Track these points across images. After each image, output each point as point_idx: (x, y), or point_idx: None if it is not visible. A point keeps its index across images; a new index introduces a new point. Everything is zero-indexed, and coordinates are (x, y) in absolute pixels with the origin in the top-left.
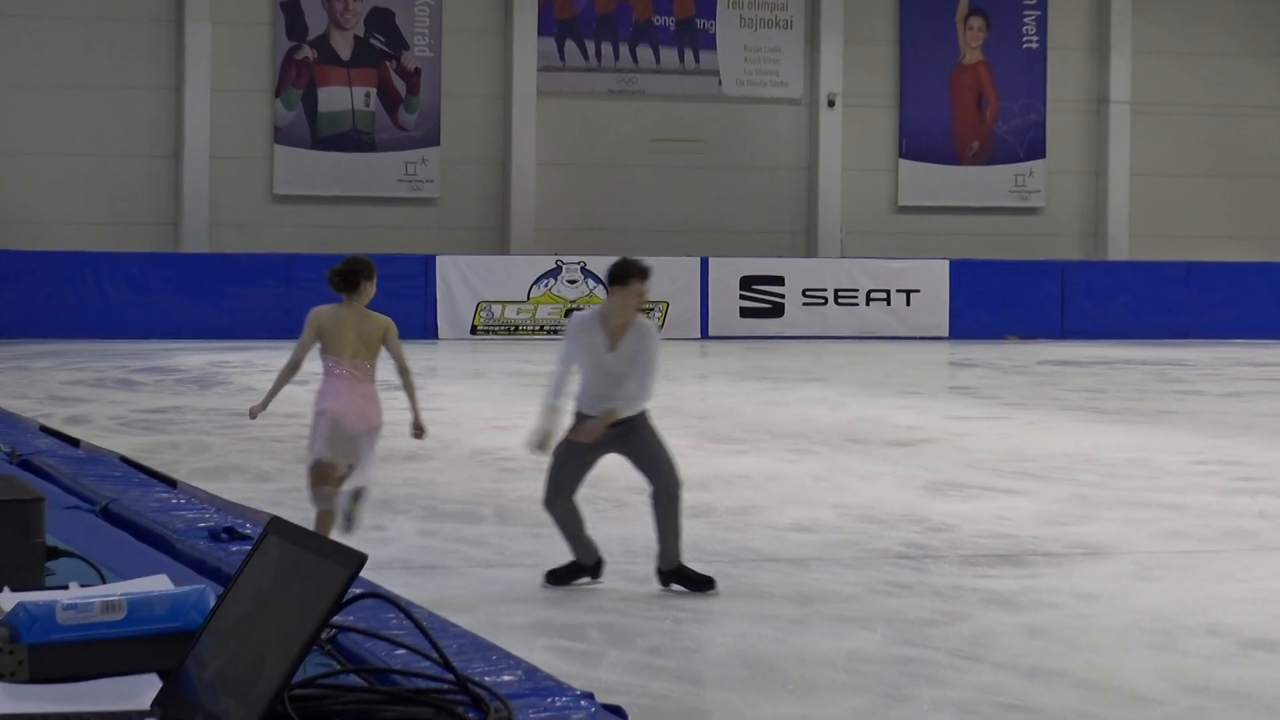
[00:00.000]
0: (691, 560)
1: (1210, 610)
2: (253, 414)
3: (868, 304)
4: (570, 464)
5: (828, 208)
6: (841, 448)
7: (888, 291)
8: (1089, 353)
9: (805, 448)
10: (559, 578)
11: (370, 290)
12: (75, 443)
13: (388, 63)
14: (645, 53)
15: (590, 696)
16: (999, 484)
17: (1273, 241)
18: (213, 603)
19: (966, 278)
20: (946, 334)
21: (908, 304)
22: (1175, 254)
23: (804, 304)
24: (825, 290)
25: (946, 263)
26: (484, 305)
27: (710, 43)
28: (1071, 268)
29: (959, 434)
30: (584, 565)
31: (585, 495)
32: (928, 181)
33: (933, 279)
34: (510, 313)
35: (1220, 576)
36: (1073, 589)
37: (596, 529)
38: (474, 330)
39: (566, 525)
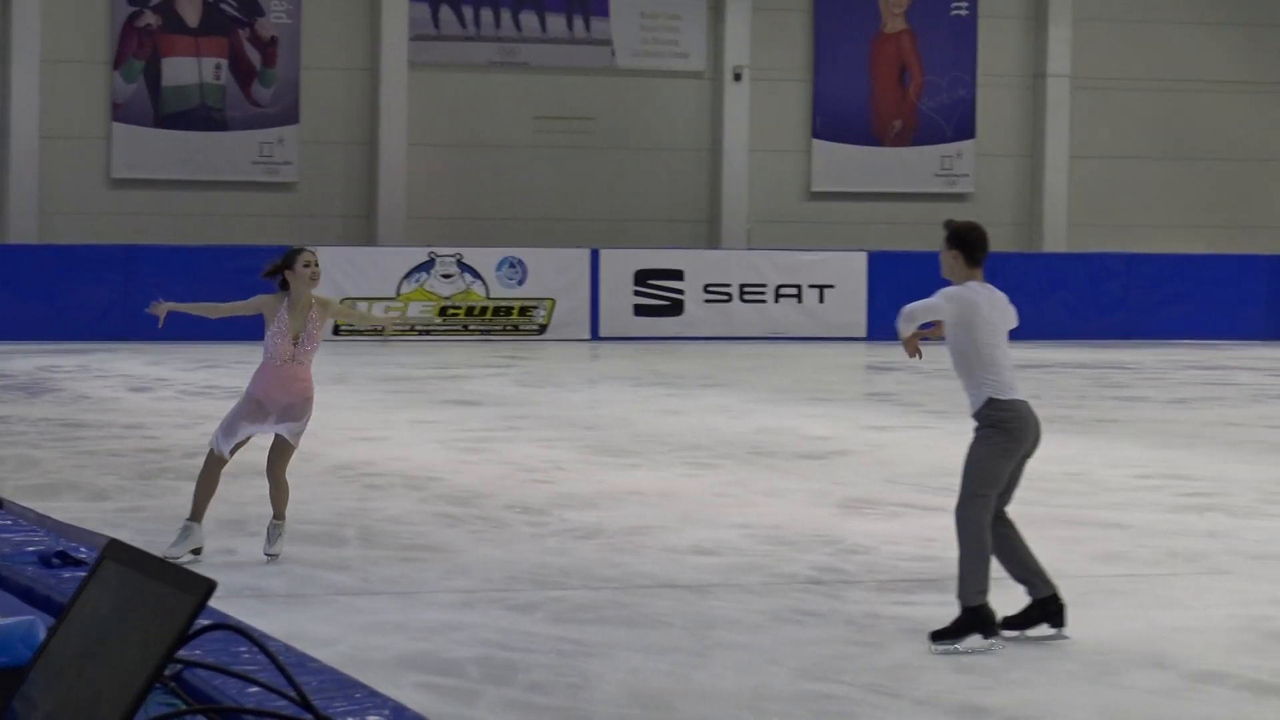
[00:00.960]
0: (578, 587)
1: (1154, 640)
2: (157, 310)
3: (776, 301)
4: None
5: (733, 194)
6: (746, 461)
7: (799, 287)
8: (1022, 355)
9: (706, 461)
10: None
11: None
12: None
13: (240, 31)
14: (530, 20)
15: None
16: (921, 501)
17: (1225, 232)
18: (43, 636)
19: (887, 272)
20: (864, 334)
21: (821, 301)
22: (1118, 245)
23: (705, 301)
24: (729, 286)
25: (864, 255)
26: (348, 303)
27: (602, 9)
28: (1003, 261)
29: (877, 445)
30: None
31: (459, 514)
32: (844, 164)
33: (849, 273)
34: (378, 311)
35: (1165, 603)
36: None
37: (471, 552)
38: (336, 330)
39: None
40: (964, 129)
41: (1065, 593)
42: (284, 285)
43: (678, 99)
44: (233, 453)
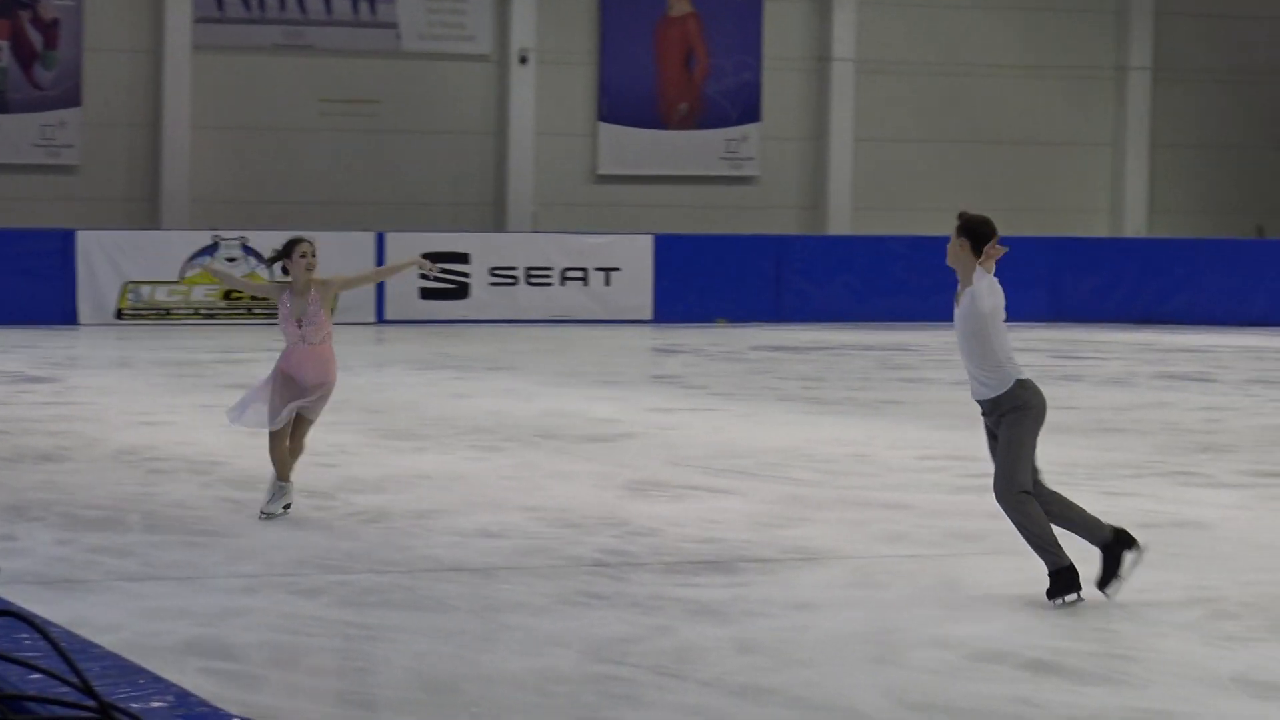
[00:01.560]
0: (363, 571)
1: (936, 620)
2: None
3: (563, 284)
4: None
5: (519, 177)
6: (533, 444)
7: (585, 270)
8: (807, 337)
9: (493, 444)
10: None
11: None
12: None
13: (21, 12)
14: (315, 3)
15: None
16: (707, 483)
17: (1008, 214)
18: None
19: (672, 255)
20: (650, 317)
21: (607, 284)
22: (902, 228)
23: (492, 284)
24: (515, 269)
25: (650, 238)
26: (131, 286)
27: None
28: (788, 243)
29: (663, 428)
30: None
31: (243, 498)
32: (630, 148)
33: (635, 256)
34: (161, 294)
35: (948, 583)
36: (787, 598)
37: (255, 536)
38: (120, 314)
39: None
40: (749, 112)
41: (849, 572)
42: (285, 272)
43: (463, 82)
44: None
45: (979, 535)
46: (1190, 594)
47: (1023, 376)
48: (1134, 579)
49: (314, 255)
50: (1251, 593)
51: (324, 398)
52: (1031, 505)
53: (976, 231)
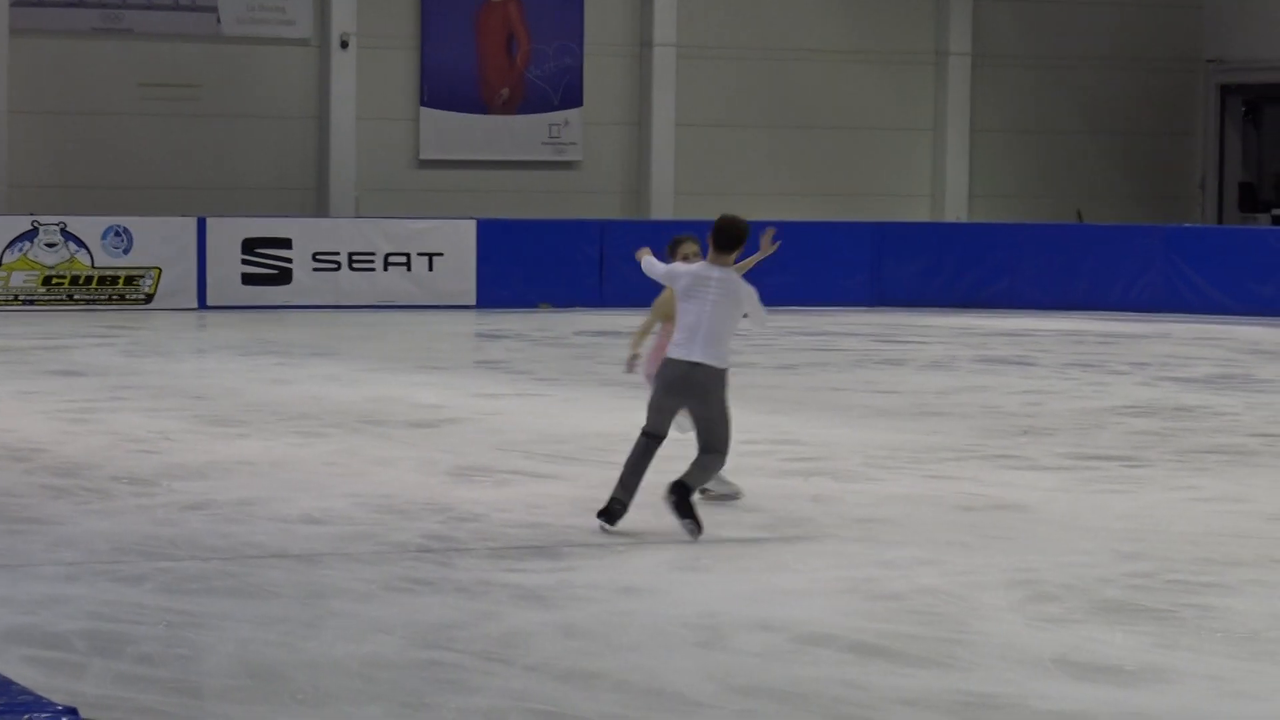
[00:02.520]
0: (186, 558)
1: (761, 604)
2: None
3: (385, 269)
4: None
5: (340, 162)
6: (356, 429)
7: (408, 255)
8: (630, 322)
9: (316, 430)
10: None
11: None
12: None
13: None
14: None
15: (73, 712)
16: (531, 468)
17: (830, 199)
18: None
19: (496, 239)
20: (474, 302)
21: (430, 269)
22: (723, 212)
23: (314, 269)
24: (338, 254)
25: (474, 223)
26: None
27: None
28: (611, 228)
29: (487, 413)
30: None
31: (64, 485)
32: (453, 132)
33: (458, 241)
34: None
35: (773, 567)
36: (612, 583)
37: (77, 523)
38: None
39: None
40: (571, 97)
41: (674, 557)
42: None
43: (284, 67)
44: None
45: (804, 519)
46: (1012, 576)
47: None
48: (959, 563)
49: (698, 255)
50: (1071, 575)
51: None
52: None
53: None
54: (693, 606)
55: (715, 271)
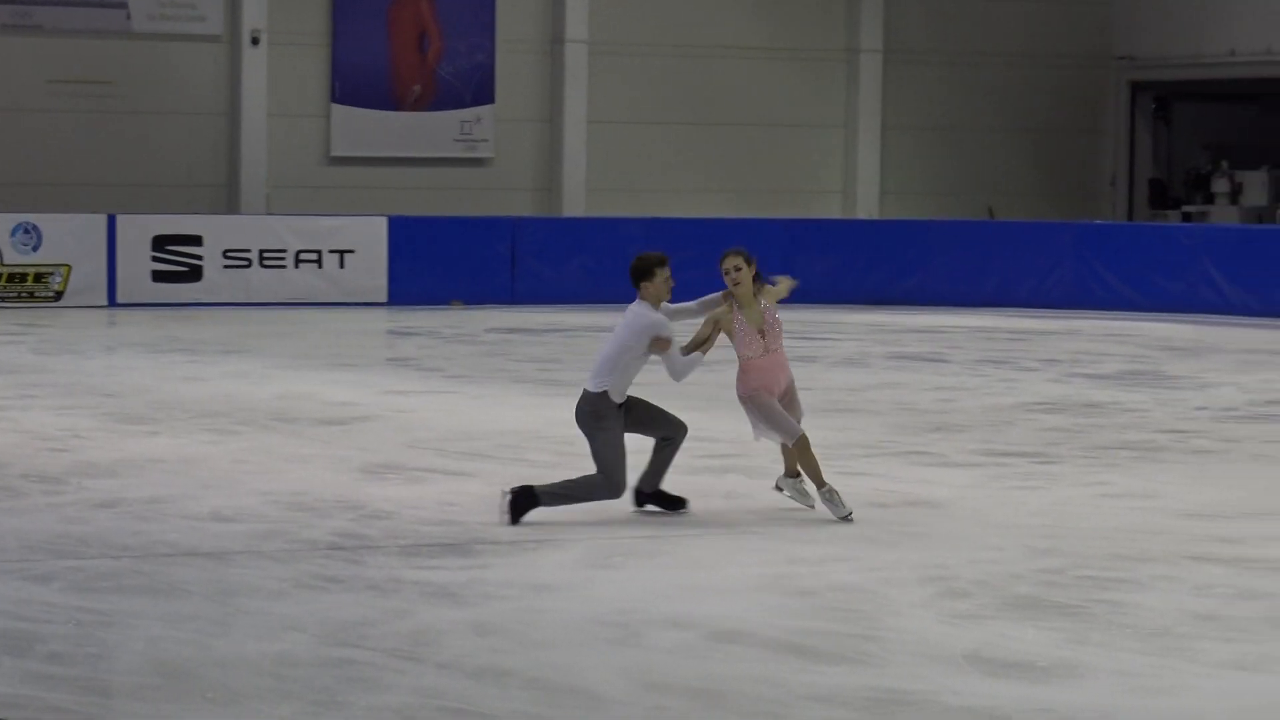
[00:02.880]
0: (96, 556)
1: (675, 601)
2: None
3: (297, 266)
4: None
5: (251, 159)
6: (267, 427)
7: (319, 253)
8: (542, 319)
9: (227, 428)
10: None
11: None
12: None
13: None
14: None
15: None
16: (443, 465)
17: (743, 196)
18: None
19: (407, 236)
20: (385, 299)
21: (341, 266)
22: (636, 210)
23: (225, 267)
24: (249, 251)
25: (385, 220)
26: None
27: None
28: (523, 225)
29: (399, 410)
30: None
31: None
32: (364, 129)
33: (370, 238)
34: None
35: (686, 564)
36: (524, 580)
37: None
38: None
39: None
40: (483, 94)
41: (587, 553)
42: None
43: (195, 63)
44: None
45: (717, 515)
46: (925, 573)
47: None
48: (871, 559)
49: (736, 271)
50: (983, 571)
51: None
52: None
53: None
54: (606, 604)
55: (631, 305)
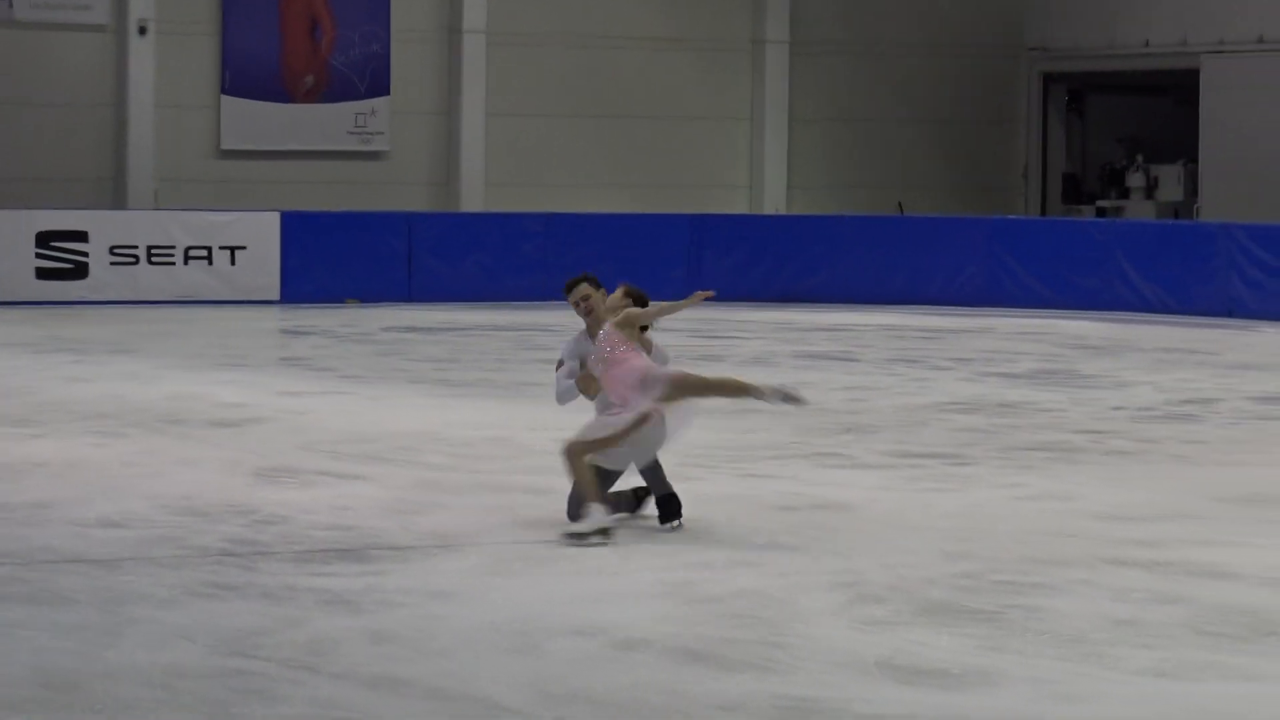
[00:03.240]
0: None
1: (578, 608)
2: None
3: (186, 263)
4: None
5: (139, 152)
6: (157, 429)
7: (209, 249)
8: (440, 317)
9: (114, 430)
10: None
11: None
12: None
13: None
14: None
15: None
16: (338, 468)
17: (646, 190)
18: None
19: (300, 232)
20: (278, 297)
21: (232, 263)
22: (536, 205)
23: (112, 264)
24: (137, 248)
25: (277, 215)
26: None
27: None
28: (419, 220)
29: (292, 412)
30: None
31: None
32: (255, 121)
33: (261, 234)
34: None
35: (589, 570)
36: (422, 587)
37: None
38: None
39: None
40: (378, 85)
41: (487, 560)
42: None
43: (80, 53)
44: None
45: (619, 521)
46: (835, 578)
47: None
48: (779, 564)
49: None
50: (895, 575)
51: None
52: None
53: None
54: (506, 611)
55: None
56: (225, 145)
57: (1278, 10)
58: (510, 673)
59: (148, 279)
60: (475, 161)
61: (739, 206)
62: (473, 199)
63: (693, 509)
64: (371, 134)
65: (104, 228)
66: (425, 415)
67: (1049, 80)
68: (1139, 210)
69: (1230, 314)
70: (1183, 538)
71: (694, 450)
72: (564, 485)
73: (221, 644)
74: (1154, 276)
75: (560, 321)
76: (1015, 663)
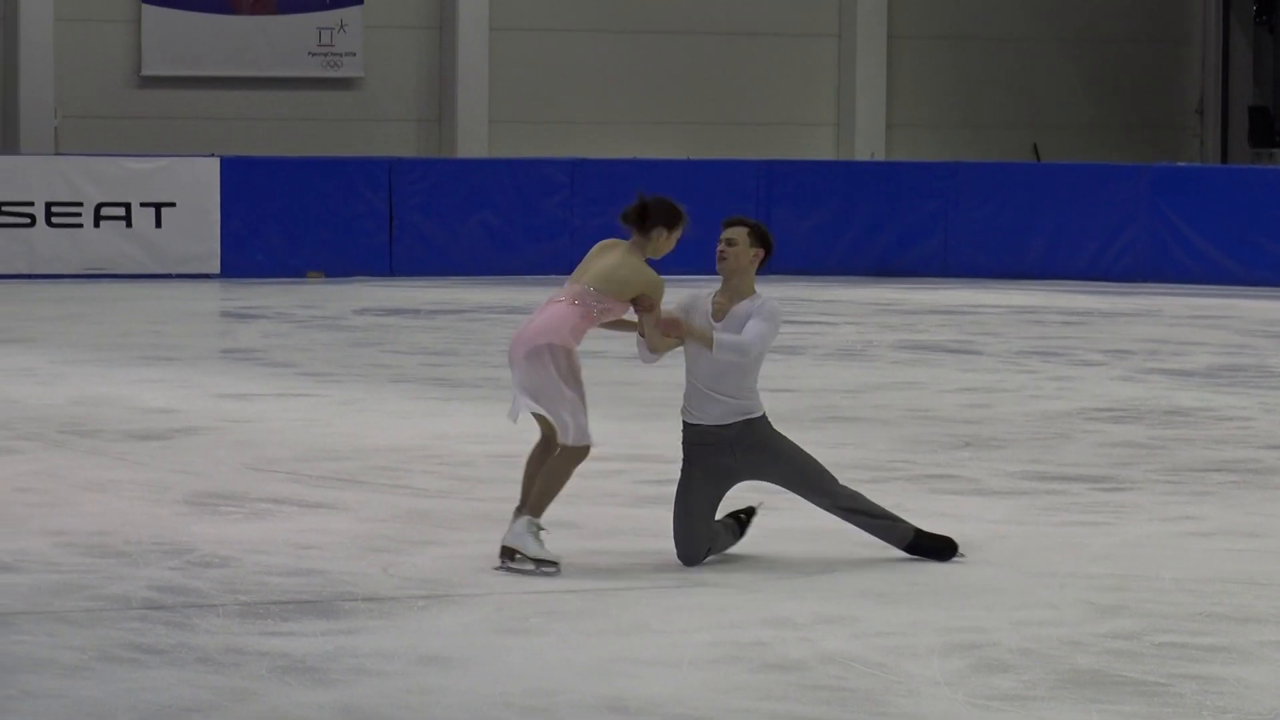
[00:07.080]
0: None
1: (612, 678)
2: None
3: (97, 225)
4: None
5: (33, 80)
6: (59, 443)
7: (127, 206)
8: (432, 296)
9: (4, 444)
10: None
11: (662, 243)
12: None
13: None
14: None
15: None
16: (298, 495)
17: (698, 130)
18: None
19: (247, 185)
20: (218, 270)
21: (158, 225)
22: (557, 148)
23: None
24: (31, 205)
25: (216, 161)
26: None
27: None
28: (404, 169)
29: (238, 421)
30: None
31: None
32: (187, 39)
33: (196, 187)
34: None
35: (626, 628)
36: (410, 650)
37: None
38: None
39: None
40: None
41: (495, 613)
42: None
43: None
44: None
45: (667, 562)
46: (950, 639)
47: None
48: (879, 620)
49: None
50: (1029, 636)
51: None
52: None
53: (770, 244)
54: (520, 682)
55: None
56: (147, 70)
57: None
58: None
59: (47, 245)
60: (475, 92)
61: (823, 151)
62: (472, 141)
63: (765, 546)
64: (340, 55)
65: None
66: (413, 425)
67: None
68: None
69: None
70: None
71: None
72: (591, 515)
73: None
74: None
75: None
76: None
